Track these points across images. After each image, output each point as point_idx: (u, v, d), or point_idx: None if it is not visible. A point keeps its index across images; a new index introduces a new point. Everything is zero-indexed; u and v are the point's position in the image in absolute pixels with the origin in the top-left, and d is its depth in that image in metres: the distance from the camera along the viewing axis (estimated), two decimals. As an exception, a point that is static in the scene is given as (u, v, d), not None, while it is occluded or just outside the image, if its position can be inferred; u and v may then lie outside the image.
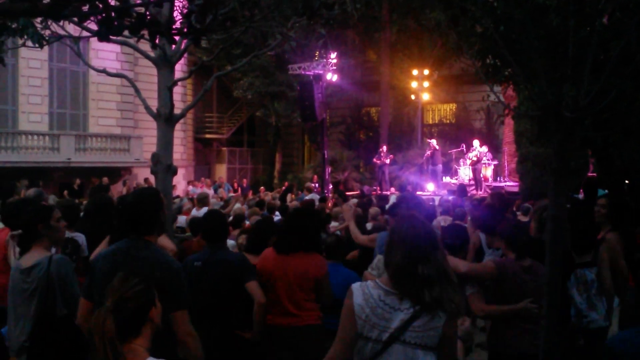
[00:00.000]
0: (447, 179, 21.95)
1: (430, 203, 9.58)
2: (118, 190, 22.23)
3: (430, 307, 2.57)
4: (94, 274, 3.26)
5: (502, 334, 4.14)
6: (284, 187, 21.97)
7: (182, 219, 10.03)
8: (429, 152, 21.20)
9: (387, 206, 11.07)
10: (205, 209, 10.35)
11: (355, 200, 12.86)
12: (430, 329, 2.58)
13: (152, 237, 3.35)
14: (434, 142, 21.43)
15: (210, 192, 20.68)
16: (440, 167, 20.97)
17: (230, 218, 8.54)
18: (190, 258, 4.53)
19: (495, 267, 4.16)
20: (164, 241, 4.75)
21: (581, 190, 12.57)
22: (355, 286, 2.71)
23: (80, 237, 5.17)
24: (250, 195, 18.74)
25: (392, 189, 21.36)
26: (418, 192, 19.10)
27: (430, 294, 2.56)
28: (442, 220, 8.55)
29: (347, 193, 21.75)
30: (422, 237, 2.66)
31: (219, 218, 4.71)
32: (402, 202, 5.12)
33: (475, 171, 19.98)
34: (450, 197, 12.64)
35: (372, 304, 2.62)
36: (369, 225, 8.30)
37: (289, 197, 17.53)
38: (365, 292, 2.66)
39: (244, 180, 28.74)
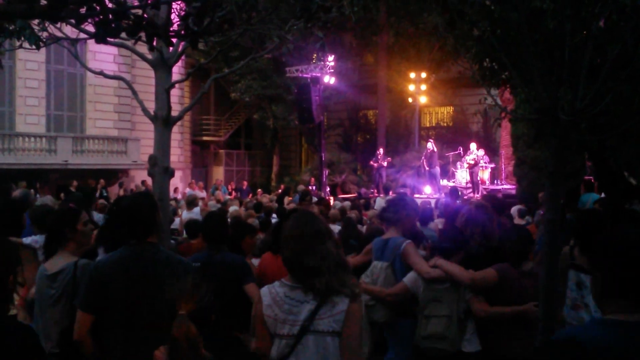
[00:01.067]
0: (444, 182, 21.97)
1: (428, 206, 9.57)
2: (115, 192, 22.20)
3: (327, 294, 2.72)
4: (97, 283, 3.22)
5: (504, 339, 4.13)
6: (280, 191, 21.97)
7: (176, 221, 10.04)
8: (427, 152, 21.15)
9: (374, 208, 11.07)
10: (196, 210, 10.35)
11: (348, 204, 12.85)
12: (335, 314, 2.72)
13: (153, 239, 3.36)
14: (430, 144, 21.37)
15: (203, 194, 20.69)
16: (437, 169, 20.95)
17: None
18: (189, 259, 4.53)
19: (497, 274, 4.15)
20: None
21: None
22: (263, 290, 2.87)
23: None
24: (249, 198, 18.74)
25: (381, 194, 21.37)
26: (415, 195, 19.09)
27: (322, 282, 2.71)
28: (439, 223, 8.56)
29: (344, 196, 21.77)
30: (305, 232, 2.82)
31: (218, 220, 4.71)
32: (392, 204, 5.09)
33: (473, 174, 19.99)
34: (443, 200, 12.67)
35: (279, 302, 2.77)
36: (364, 228, 8.29)
37: (286, 199, 17.52)
38: (272, 292, 2.82)
39: (244, 183, 28.65)
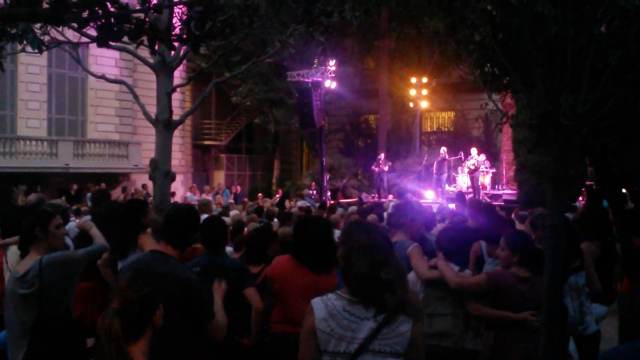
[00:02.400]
0: (445, 187, 21.98)
1: (430, 211, 9.54)
2: (116, 196, 22.18)
3: (396, 312, 2.53)
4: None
5: (504, 344, 4.12)
6: (277, 196, 21.95)
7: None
8: (440, 157, 21.19)
9: (385, 213, 11.03)
10: (204, 217, 10.31)
11: (354, 208, 12.83)
12: (398, 335, 2.53)
13: (169, 250, 3.41)
14: (443, 150, 21.41)
15: (208, 198, 20.63)
16: (445, 176, 21.05)
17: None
18: (190, 263, 4.52)
19: (487, 279, 4.15)
20: (147, 240, 4.71)
21: (580, 198, 12.61)
22: (316, 301, 2.63)
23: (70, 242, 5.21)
24: (246, 202, 18.70)
25: (390, 196, 21.37)
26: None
27: (394, 299, 2.53)
28: (440, 228, 8.52)
29: (345, 200, 21.76)
30: (380, 242, 2.62)
31: (217, 224, 4.71)
32: (401, 209, 5.11)
33: (473, 179, 20.01)
34: (453, 205, 12.58)
35: (336, 316, 2.55)
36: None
37: (287, 203, 17.50)
38: (328, 305, 2.59)
39: (238, 187, 28.56)
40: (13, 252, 4.70)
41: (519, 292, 4.03)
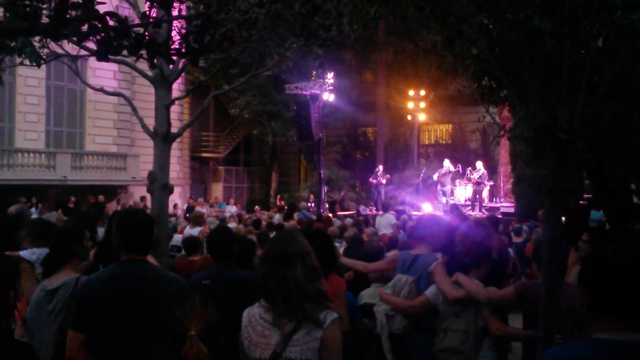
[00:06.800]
0: (443, 200, 21.97)
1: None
2: (113, 208, 22.15)
3: (296, 320, 2.59)
4: (87, 302, 3.19)
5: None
6: (276, 209, 21.91)
7: (177, 238, 9.99)
8: (446, 170, 21.23)
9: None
10: (198, 229, 10.31)
11: (350, 220, 12.85)
12: (310, 341, 2.57)
13: (145, 256, 3.35)
14: (447, 163, 21.43)
15: (205, 210, 20.63)
16: (449, 187, 21.07)
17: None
18: (197, 276, 4.43)
19: (515, 293, 4.13)
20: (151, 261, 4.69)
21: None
22: (245, 310, 2.79)
23: None
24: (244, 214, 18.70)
25: (380, 212, 21.36)
26: (413, 212, 19.08)
27: (289, 308, 2.61)
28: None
29: (343, 213, 21.75)
30: (270, 254, 2.73)
31: (225, 235, 4.63)
32: (422, 223, 5.13)
33: (477, 192, 19.98)
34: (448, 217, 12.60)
35: (253, 323, 2.69)
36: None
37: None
38: (250, 312, 2.76)
39: (231, 200, 28.53)
40: None
41: None
